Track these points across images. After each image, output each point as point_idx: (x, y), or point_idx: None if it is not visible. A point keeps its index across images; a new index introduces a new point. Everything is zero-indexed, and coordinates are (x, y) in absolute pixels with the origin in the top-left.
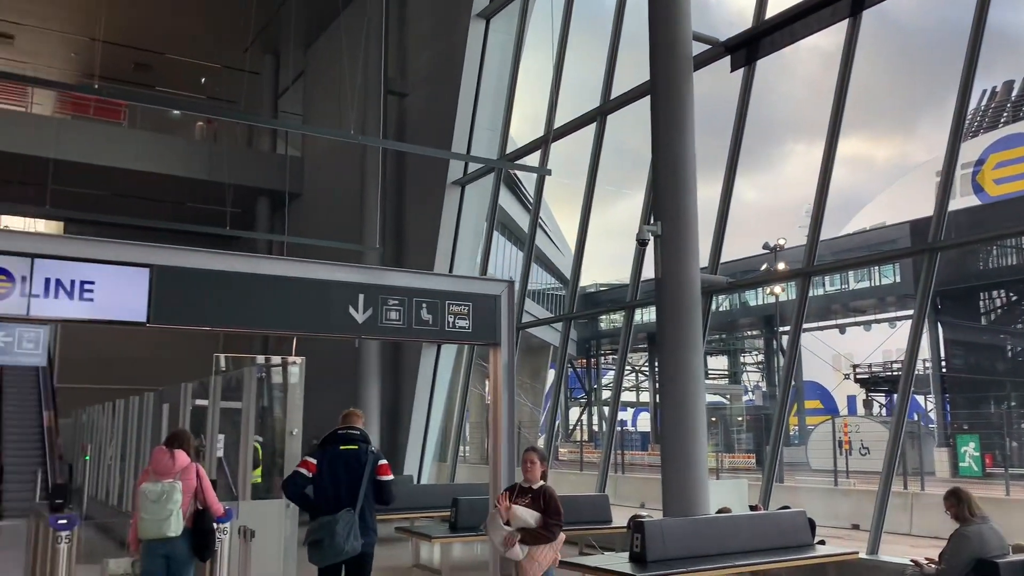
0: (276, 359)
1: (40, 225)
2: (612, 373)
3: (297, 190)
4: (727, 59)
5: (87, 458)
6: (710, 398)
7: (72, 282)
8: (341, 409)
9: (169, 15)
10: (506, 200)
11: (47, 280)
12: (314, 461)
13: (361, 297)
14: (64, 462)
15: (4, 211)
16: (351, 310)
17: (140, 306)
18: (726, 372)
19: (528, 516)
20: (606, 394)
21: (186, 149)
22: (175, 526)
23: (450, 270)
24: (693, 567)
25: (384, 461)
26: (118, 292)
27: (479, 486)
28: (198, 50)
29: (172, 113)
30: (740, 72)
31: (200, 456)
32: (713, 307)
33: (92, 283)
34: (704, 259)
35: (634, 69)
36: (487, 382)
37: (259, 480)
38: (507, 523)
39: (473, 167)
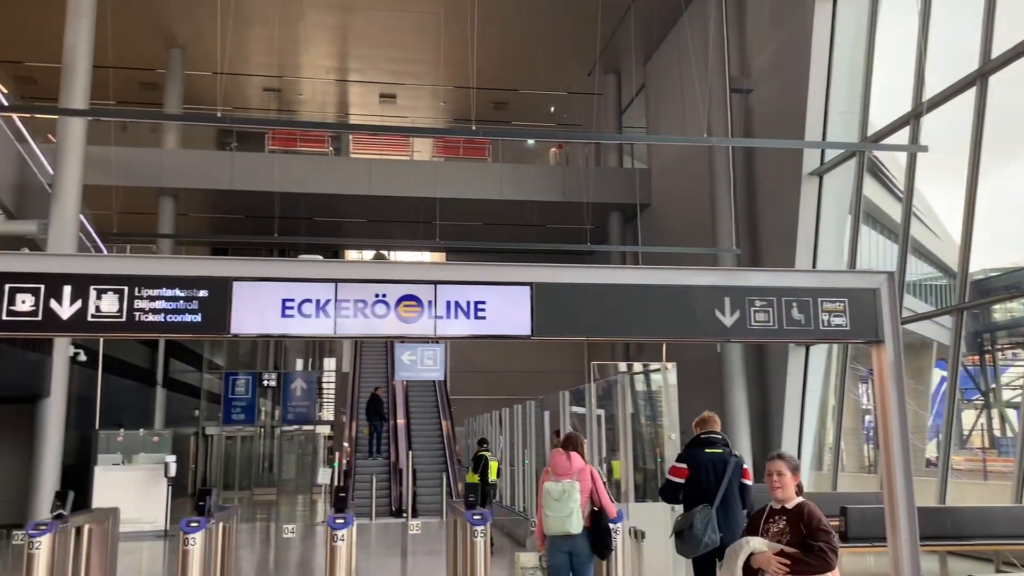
0: (655, 365)
1: (427, 256)
2: (1013, 370)
3: (647, 201)
4: None
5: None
6: None
7: (468, 303)
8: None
9: (518, 55)
10: (870, 187)
11: (448, 303)
12: (684, 466)
13: (727, 300)
14: (462, 466)
15: (404, 247)
16: (718, 314)
17: (524, 321)
18: None
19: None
20: (1008, 394)
21: (542, 175)
22: (576, 523)
23: (813, 267)
24: None
25: (746, 465)
26: (506, 310)
27: (867, 495)
28: (545, 81)
29: (528, 143)
30: None
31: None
32: None
33: (484, 303)
34: None
35: (1021, 20)
36: (861, 385)
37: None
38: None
39: (830, 155)
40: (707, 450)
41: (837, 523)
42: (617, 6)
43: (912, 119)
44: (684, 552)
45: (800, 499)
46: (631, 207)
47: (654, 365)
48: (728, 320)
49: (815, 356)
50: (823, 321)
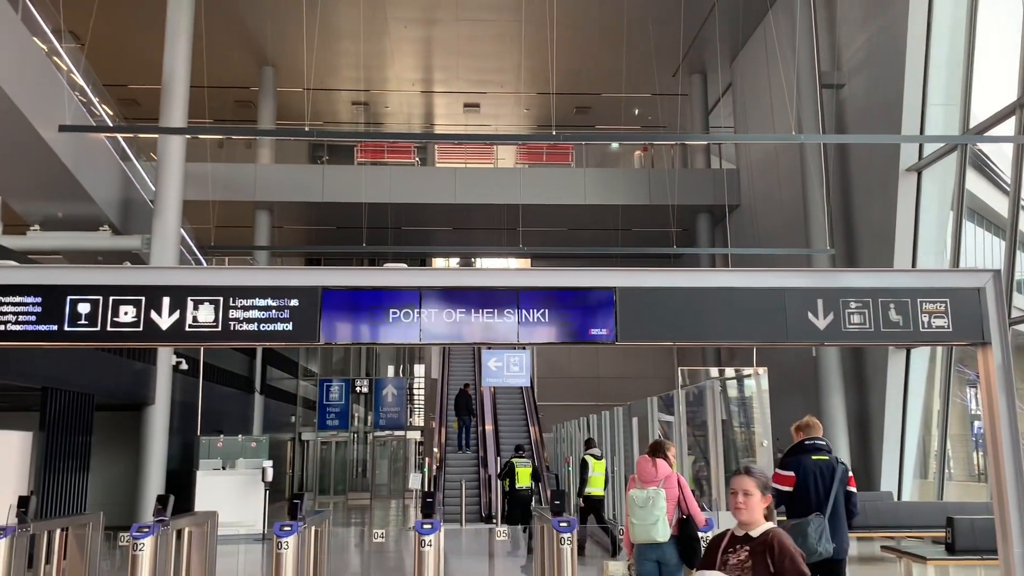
0: (746, 370)
1: (512, 262)
2: None
3: (735, 202)
4: None
5: (569, 469)
6: None
7: (551, 309)
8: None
9: (601, 58)
10: (973, 181)
11: (531, 309)
12: (790, 474)
13: (820, 302)
14: (551, 472)
15: (489, 253)
16: (810, 317)
17: (608, 326)
18: None
19: None
20: None
21: (627, 179)
22: (662, 531)
23: (913, 266)
24: None
25: (851, 473)
26: (590, 315)
27: (975, 504)
28: (630, 84)
29: (612, 147)
30: None
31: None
32: None
33: (567, 309)
34: None
35: None
36: (968, 389)
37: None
38: None
39: (929, 149)
40: (814, 457)
41: (943, 534)
42: (701, 5)
43: (1018, 108)
44: None
45: (769, 525)
46: (719, 209)
47: (745, 370)
48: (821, 323)
49: (917, 358)
50: (923, 323)
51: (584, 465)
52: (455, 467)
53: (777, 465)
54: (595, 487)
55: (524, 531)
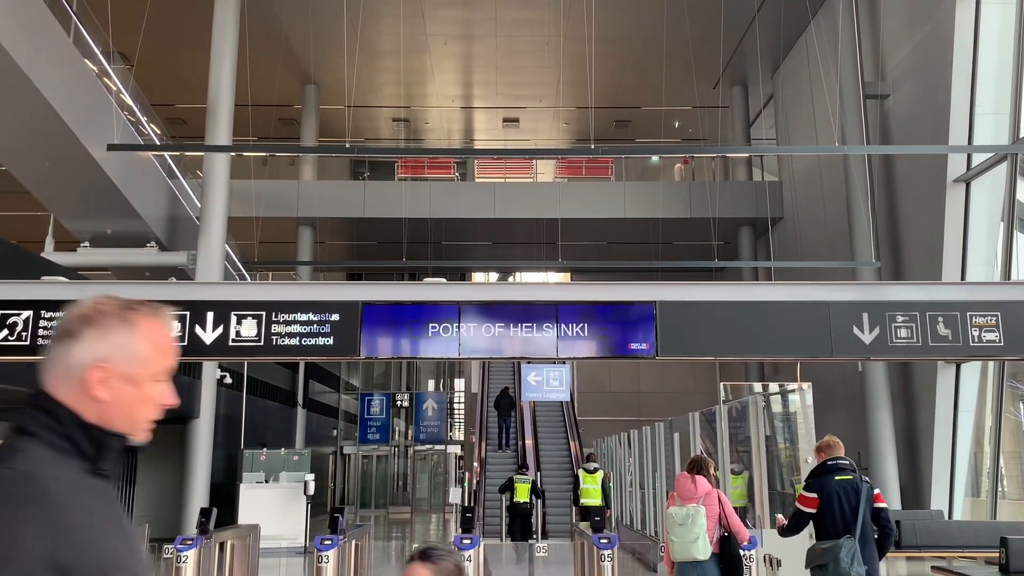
0: (791, 385)
1: (552, 276)
2: None
3: (778, 214)
4: None
5: (610, 484)
6: None
7: (588, 324)
8: (852, 439)
9: (641, 71)
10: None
11: (570, 324)
12: (814, 495)
13: (865, 316)
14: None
15: (528, 268)
16: (856, 331)
17: (649, 340)
18: None
19: None
20: None
21: (668, 192)
22: (703, 549)
23: (962, 278)
24: None
25: (877, 490)
26: (628, 329)
27: None
28: (669, 97)
29: (652, 160)
30: None
31: (719, 483)
32: None
33: (607, 323)
34: None
35: None
36: (1022, 405)
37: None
38: None
39: (977, 160)
40: (837, 477)
41: (997, 555)
42: (742, 17)
43: None
44: None
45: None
46: (762, 222)
47: (790, 386)
48: (867, 337)
49: (967, 373)
50: (973, 337)
51: (576, 479)
52: (496, 466)
53: (804, 485)
54: (588, 498)
55: (521, 539)
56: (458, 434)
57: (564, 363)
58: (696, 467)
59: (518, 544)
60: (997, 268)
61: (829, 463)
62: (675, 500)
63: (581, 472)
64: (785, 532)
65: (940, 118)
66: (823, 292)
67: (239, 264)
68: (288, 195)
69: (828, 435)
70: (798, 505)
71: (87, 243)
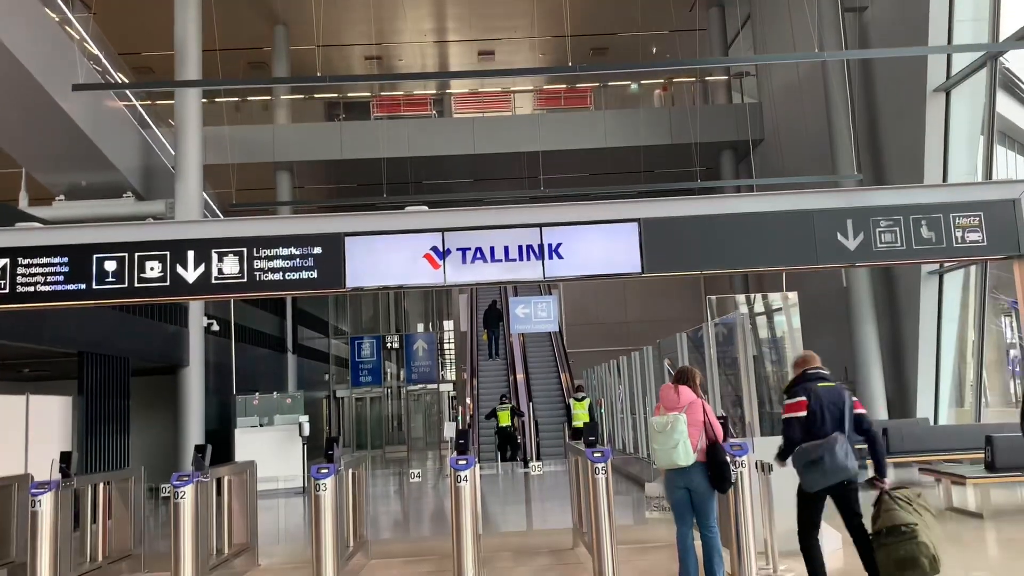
0: (775, 296)
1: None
2: None
3: (759, 136)
4: None
5: (601, 411)
6: None
7: (575, 244)
8: (838, 353)
9: None
10: (1004, 103)
11: (554, 245)
12: (801, 399)
13: (849, 222)
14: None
15: (511, 202)
16: (840, 238)
17: (634, 259)
18: None
19: None
20: None
21: (648, 119)
22: (684, 455)
23: None
24: None
25: (855, 398)
26: (615, 248)
27: (1014, 424)
28: (646, 22)
29: (631, 88)
30: None
31: (707, 393)
32: None
33: (592, 243)
34: None
35: None
36: (1004, 318)
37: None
38: None
39: (958, 66)
40: (819, 384)
41: (982, 455)
42: None
43: None
44: (817, 482)
45: None
46: (743, 144)
47: (774, 296)
48: (851, 243)
49: (950, 285)
50: (956, 238)
51: (567, 407)
52: (488, 374)
53: (786, 394)
54: (578, 420)
55: (510, 458)
56: (450, 374)
57: (551, 294)
58: (681, 377)
59: (517, 469)
60: (978, 178)
61: (810, 372)
62: (660, 411)
63: (572, 401)
64: (783, 453)
65: (919, 27)
66: (807, 200)
67: (217, 212)
68: (263, 140)
69: (805, 351)
70: (787, 414)
71: (62, 196)
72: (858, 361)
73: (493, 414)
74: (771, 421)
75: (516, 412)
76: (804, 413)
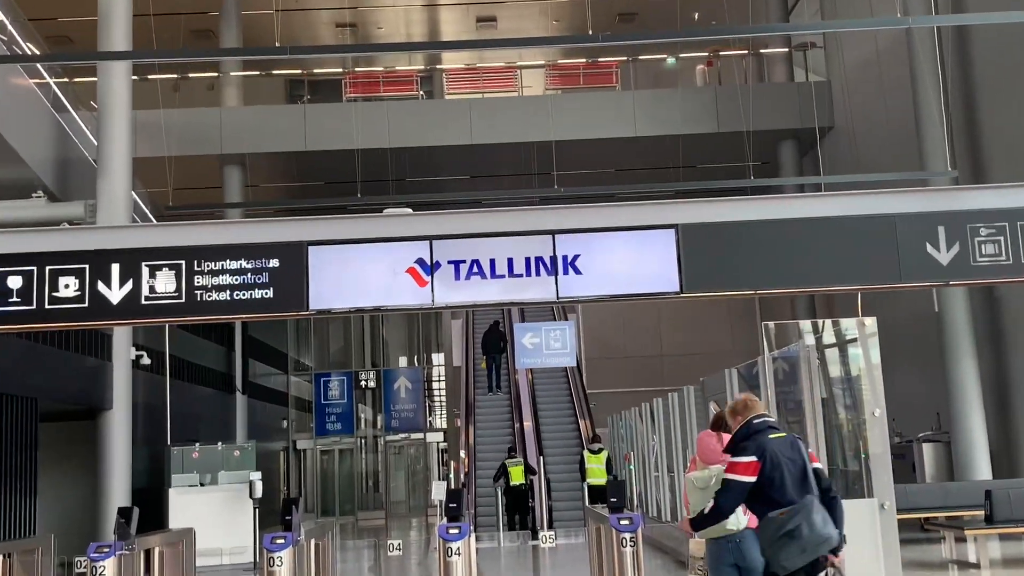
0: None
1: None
2: None
3: (827, 123)
4: None
5: (631, 468)
6: None
7: (596, 256)
8: (928, 396)
9: None
10: None
11: (571, 257)
12: (751, 459)
13: (941, 230)
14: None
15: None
16: (930, 249)
17: (670, 274)
18: None
19: None
20: None
21: (688, 101)
22: (733, 519)
23: None
24: None
25: (811, 449)
26: (645, 260)
27: None
28: None
29: (668, 63)
30: None
31: None
32: None
33: (617, 254)
34: None
35: None
36: None
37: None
38: None
39: None
40: (771, 436)
41: None
42: None
43: None
44: (799, 558)
45: None
46: (808, 133)
47: (847, 323)
48: (944, 256)
49: None
50: None
51: (581, 459)
52: (486, 412)
53: (731, 452)
54: (593, 477)
55: (520, 526)
56: (440, 420)
57: (567, 319)
58: (721, 424)
59: (519, 534)
60: None
61: (756, 421)
62: (697, 464)
63: (586, 453)
64: (708, 518)
65: None
66: (888, 203)
67: (150, 215)
68: (208, 127)
69: (742, 393)
70: (731, 476)
71: None
72: (953, 406)
73: (503, 472)
74: (846, 480)
75: (528, 469)
76: (754, 479)
